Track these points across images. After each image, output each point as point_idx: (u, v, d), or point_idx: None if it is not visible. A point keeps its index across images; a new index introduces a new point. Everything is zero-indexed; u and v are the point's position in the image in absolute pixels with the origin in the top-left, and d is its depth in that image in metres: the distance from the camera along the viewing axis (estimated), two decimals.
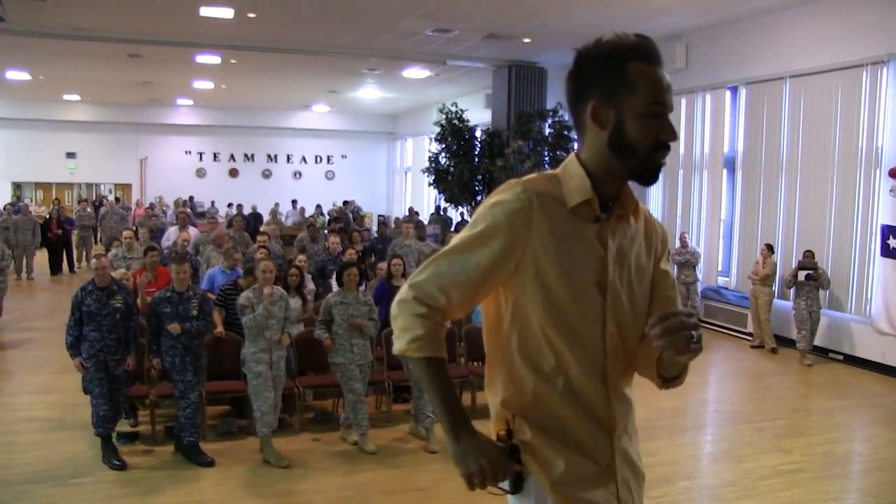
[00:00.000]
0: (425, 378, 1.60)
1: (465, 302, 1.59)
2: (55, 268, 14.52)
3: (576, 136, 1.64)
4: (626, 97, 1.50)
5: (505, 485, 1.58)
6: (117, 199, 20.44)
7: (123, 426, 5.59)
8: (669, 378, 1.69)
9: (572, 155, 1.63)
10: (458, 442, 1.54)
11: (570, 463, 1.58)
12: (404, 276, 6.72)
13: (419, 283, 1.58)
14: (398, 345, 1.60)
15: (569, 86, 1.58)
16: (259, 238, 8.81)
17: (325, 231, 12.71)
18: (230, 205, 19.37)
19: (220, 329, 5.85)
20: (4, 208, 16.55)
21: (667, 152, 1.54)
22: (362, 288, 6.61)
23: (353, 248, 8.22)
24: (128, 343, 5.20)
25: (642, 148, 1.52)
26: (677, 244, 10.23)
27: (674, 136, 1.53)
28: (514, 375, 1.62)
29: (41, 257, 14.46)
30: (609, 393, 1.61)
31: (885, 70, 7.98)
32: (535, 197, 1.54)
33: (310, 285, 7.47)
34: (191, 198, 20.94)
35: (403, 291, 1.60)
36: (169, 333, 5.12)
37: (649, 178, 1.56)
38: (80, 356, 5.07)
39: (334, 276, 6.35)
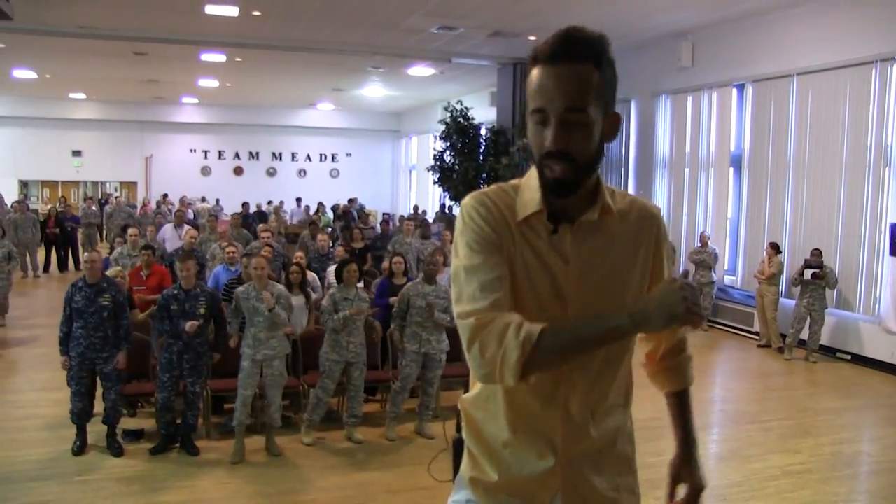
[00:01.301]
0: (571, 338, 1.36)
1: (508, 294, 1.43)
2: (60, 264, 14.57)
3: None
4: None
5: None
6: (116, 198, 20.35)
7: (127, 423, 5.58)
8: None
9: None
10: (644, 312, 1.34)
11: (500, 471, 1.52)
12: (406, 273, 6.71)
13: (463, 311, 1.41)
14: (512, 359, 1.32)
15: (611, 88, 1.43)
16: (263, 235, 8.79)
17: (330, 229, 12.71)
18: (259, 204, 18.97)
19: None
20: (12, 206, 16.58)
21: None
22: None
23: (343, 247, 8.22)
24: (117, 341, 5.15)
25: None
26: (697, 244, 10.17)
27: None
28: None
29: (41, 255, 14.48)
30: (561, 412, 1.47)
31: (894, 67, 7.91)
32: (492, 202, 1.47)
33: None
34: (164, 195, 20.49)
35: (463, 327, 1.40)
36: (172, 329, 5.10)
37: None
38: (69, 354, 5.08)
39: (328, 272, 6.33)
